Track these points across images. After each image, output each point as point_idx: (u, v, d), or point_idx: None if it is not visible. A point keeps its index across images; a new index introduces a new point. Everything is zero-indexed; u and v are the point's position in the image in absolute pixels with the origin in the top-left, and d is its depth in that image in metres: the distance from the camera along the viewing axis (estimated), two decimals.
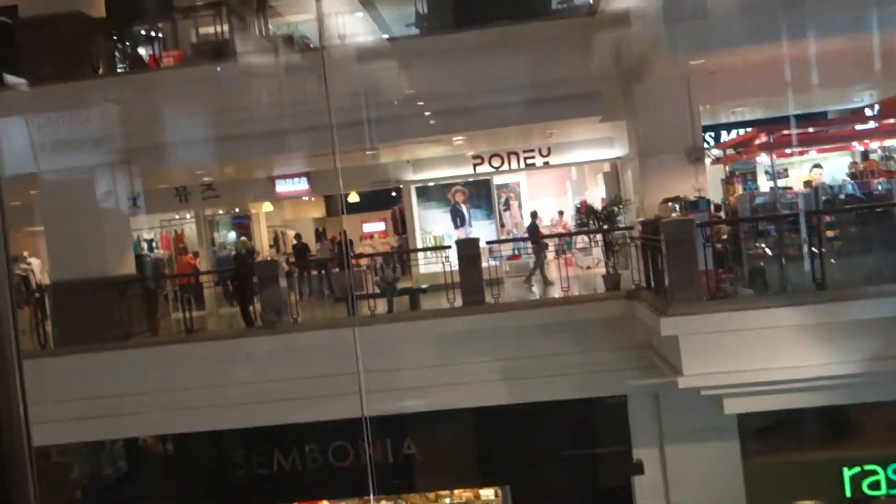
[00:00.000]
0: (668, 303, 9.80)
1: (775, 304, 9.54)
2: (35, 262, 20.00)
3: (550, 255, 16.34)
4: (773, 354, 9.48)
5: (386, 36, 14.28)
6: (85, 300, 12.97)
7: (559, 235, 18.42)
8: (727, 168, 14.29)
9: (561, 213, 23.01)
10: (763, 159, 13.84)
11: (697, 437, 12.27)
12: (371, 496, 11.91)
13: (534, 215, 18.91)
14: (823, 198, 10.84)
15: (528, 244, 17.89)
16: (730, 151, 14.97)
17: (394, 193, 23.75)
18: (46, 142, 13.46)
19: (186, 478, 14.16)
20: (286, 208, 25.06)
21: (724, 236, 10.95)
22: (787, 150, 13.09)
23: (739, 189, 12.72)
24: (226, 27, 15.95)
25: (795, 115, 14.00)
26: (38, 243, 17.27)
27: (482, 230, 20.00)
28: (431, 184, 20.53)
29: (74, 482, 17.00)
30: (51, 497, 16.39)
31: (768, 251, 10.38)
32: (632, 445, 12.73)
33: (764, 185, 15.05)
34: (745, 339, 9.52)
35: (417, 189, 20.54)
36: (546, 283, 16.56)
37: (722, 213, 12.59)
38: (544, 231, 22.56)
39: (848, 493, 11.75)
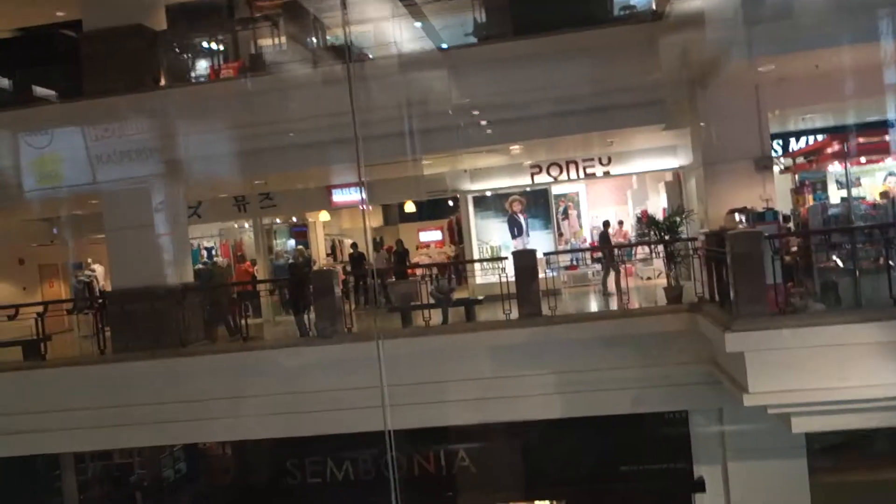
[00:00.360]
0: (734, 318, 9.44)
1: (849, 320, 9.08)
2: (99, 269, 20.50)
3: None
4: (845, 372, 9.02)
5: (443, 45, 14.12)
6: (143, 307, 13.14)
7: (625, 246, 18.02)
8: (796, 178, 13.76)
9: (620, 222, 22.56)
10: (834, 168, 13.27)
11: (762, 455, 11.91)
12: None
13: (606, 224, 18.56)
14: None
15: (593, 254, 17.54)
16: (799, 160, 14.42)
17: (451, 203, 23.62)
18: (109, 152, 13.71)
19: (243, 483, 14.26)
20: (343, 217, 25.14)
21: (794, 248, 10.49)
22: (862, 159, 12.53)
23: (810, 199, 12.20)
24: (283, 38, 16.15)
25: (869, 123, 13.44)
26: (103, 250, 17.63)
27: (540, 240, 19.74)
28: (489, 193, 20.35)
29: (135, 484, 17.34)
30: (111, 497, 16.74)
31: (841, 264, 9.89)
32: (693, 462, 12.41)
33: (834, 194, 14.45)
34: (815, 355, 9.09)
35: (474, 198, 20.38)
36: (605, 293, 16.23)
37: (791, 225, 12.09)
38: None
39: None
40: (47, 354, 14.02)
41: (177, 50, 15.52)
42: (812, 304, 9.68)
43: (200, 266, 18.63)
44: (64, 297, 22.08)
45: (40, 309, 14.20)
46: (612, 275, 16.18)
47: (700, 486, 12.24)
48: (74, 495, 17.07)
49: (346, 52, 13.32)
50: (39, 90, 15.41)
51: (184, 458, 16.94)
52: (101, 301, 15.09)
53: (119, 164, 13.72)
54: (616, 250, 16.72)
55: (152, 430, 12.84)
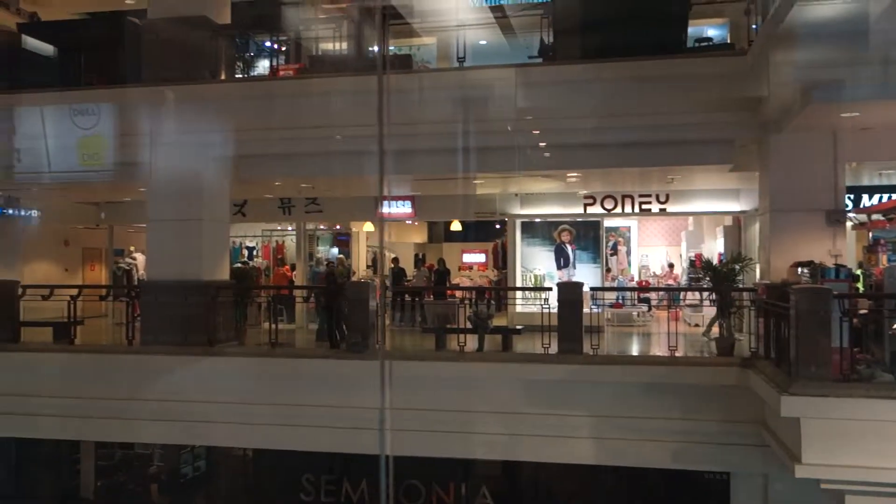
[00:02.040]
0: (792, 379, 8.72)
1: None
2: (140, 258, 20.38)
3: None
4: None
5: (506, 64, 13.67)
6: (175, 301, 12.85)
7: (685, 289, 17.14)
8: (870, 235, 12.92)
9: (671, 265, 21.84)
10: None
11: None
12: None
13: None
14: None
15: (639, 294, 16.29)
16: (875, 217, 13.55)
17: (498, 226, 23.14)
18: (159, 141, 13.51)
19: (258, 491, 13.87)
20: (389, 229, 24.77)
21: (863, 311, 9.72)
22: None
23: (883, 260, 11.38)
24: (345, 44, 15.91)
25: None
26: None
27: (586, 273, 19.11)
28: (538, 220, 19.82)
29: (152, 476, 17.07)
30: (127, 487, 16.54)
31: None
32: None
33: None
34: (880, 430, 8.35)
35: (523, 224, 19.87)
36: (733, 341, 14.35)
37: (859, 285, 11.28)
38: (651, 282, 21.47)
39: None
40: (77, 339, 13.85)
41: (238, 45, 15.34)
42: (880, 373, 8.91)
43: (238, 265, 18.37)
44: (104, 282, 22.12)
45: (75, 291, 14.07)
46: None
47: None
48: (91, 481, 16.93)
49: (379, 62, 12.91)
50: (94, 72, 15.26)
51: (205, 457, 16.66)
52: (137, 290, 14.91)
53: (170, 153, 13.51)
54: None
55: (165, 427, 12.52)
